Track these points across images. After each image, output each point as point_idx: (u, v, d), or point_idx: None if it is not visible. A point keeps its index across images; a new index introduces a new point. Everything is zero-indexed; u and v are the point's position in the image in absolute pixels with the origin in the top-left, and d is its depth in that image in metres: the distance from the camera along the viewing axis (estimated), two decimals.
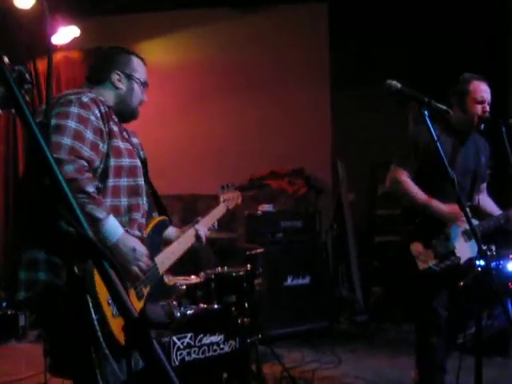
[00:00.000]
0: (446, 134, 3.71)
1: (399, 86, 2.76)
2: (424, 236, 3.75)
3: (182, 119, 7.27)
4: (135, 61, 2.93)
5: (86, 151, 2.54)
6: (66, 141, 2.50)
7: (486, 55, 6.63)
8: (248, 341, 4.36)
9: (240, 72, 7.33)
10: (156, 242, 2.94)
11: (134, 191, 2.76)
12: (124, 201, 2.72)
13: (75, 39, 6.98)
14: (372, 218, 7.38)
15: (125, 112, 2.90)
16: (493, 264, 5.39)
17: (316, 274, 6.36)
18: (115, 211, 2.64)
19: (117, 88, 2.87)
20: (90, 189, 2.48)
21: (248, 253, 5.04)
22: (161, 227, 3.02)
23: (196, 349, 4.06)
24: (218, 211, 3.52)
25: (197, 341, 4.07)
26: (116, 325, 2.46)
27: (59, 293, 2.45)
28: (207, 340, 4.13)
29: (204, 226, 3.26)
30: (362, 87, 6.62)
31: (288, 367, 5.10)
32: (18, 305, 2.62)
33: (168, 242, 3.06)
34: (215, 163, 7.31)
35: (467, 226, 3.66)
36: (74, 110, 2.58)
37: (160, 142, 6.67)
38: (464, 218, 3.44)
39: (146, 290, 2.75)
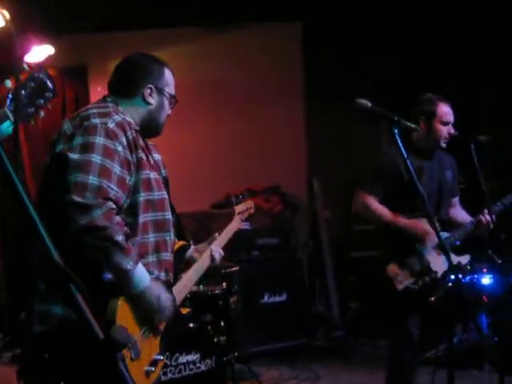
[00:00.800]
0: (411, 154, 3.76)
1: (369, 104, 2.79)
2: (398, 256, 3.80)
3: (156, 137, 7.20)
4: (167, 73, 2.70)
5: (113, 189, 2.32)
6: (92, 180, 2.27)
7: (462, 72, 6.72)
8: (224, 359, 4.37)
9: (214, 90, 7.35)
10: (175, 270, 2.75)
11: (161, 226, 2.56)
12: (152, 237, 2.52)
13: (49, 57, 6.96)
14: (348, 233, 7.41)
15: (151, 128, 2.69)
16: (467, 278, 5.48)
17: (292, 290, 6.37)
18: (143, 249, 2.48)
19: (147, 103, 2.63)
20: (119, 237, 2.27)
21: (223, 271, 5.03)
22: (180, 254, 2.85)
23: (172, 368, 4.05)
24: (234, 225, 3.37)
25: (173, 360, 4.06)
26: (133, 368, 2.37)
27: (76, 330, 2.29)
28: (183, 359, 4.12)
29: (219, 245, 3.11)
30: (337, 104, 6.66)
31: None
32: (31, 338, 2.41)
33: (188, 264, 2.93)
34: (190, 181, 7.30)
35: (437, 241, 3.74)
36: (100, 140, 2.34)
37: None
38: (431, 233, 3.53)
39: (162, 326, 2.58)
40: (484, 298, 5.51)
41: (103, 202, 2.26)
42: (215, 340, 4.34)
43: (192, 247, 3.02)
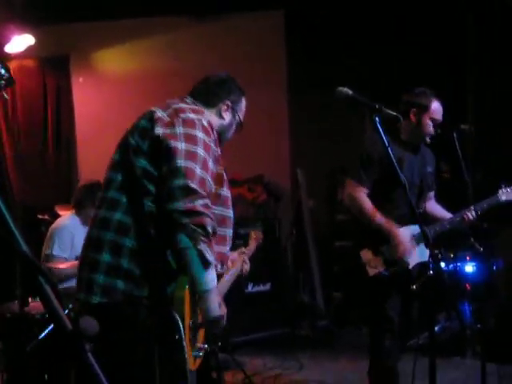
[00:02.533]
0: (395, 144, 3.76)
1: (350, 92, 2.78)
2: (373, 243, 3.81)
3: None
4: (243, 102, 2.92)
5: (210, 183, 2.46)
6: (199, 171, 2.40)
7: (446, 63, 6.74)
8: (208, 349, 4.36)
9: (197, 79, 7.32)
10: None
11: (224, 222, 2.67)
12: (218, 231, 2.56)
13: (30, 47, 6.90)
14: (332, 223, 7.43)
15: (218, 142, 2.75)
16: (450, 266, 5.53)
17: (276, 280, 6.39)
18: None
19: (221, 117, 2.79)
20: (210, 229, 2.37)
21: None
22: None
23: None
24: (253, 246, 3.59)
25: None
26: (189, 349, 2.48)
27: (140, 305, 2.41)
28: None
29: (247, 257, 3.30)
30: (320, 93, 6.66)
31: (250, 374, 5.13)
32: (84, 308, 2.50)
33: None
34: None
35: (413, 233, 3.77)
36: (200, 134, 2.48)
37: None
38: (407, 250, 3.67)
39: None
40: (467, 285, 5.55)
41: (206, 195, 2.39)
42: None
43: None
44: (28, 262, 1.06)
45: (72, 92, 7.42)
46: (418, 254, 3.82)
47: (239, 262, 3.17)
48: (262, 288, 6.30)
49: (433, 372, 3.30)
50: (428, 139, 3.94)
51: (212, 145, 2.52)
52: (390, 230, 3.75)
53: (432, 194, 4.27)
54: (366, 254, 3.81)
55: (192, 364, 2.56)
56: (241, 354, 5.57)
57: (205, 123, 2.53)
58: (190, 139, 2.44)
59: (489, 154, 6.10)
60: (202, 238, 2.34)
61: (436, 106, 3.91)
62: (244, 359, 5.57)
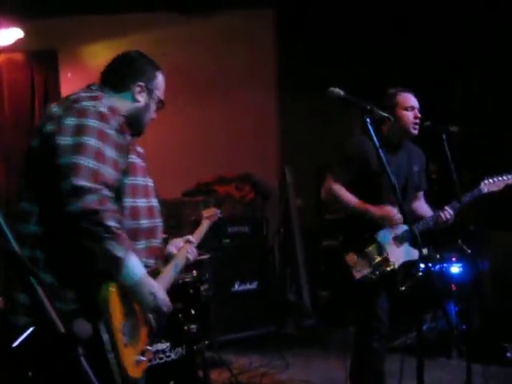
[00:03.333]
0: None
1: (342, 93, 2.78)
2: (356, 246, 3.82)
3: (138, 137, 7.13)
4: (160, 77, 2.74)
5: (108, 172, 2.30)
6: (88, 163, 2.23)
7: (434, 64, 6.75)
8: (195, 347, 4.35)
9: (186, 77, 7.29)
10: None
11: (150, 213, 2.55)
12: (144, 223, 2.50)
13: (18, 41, 6.85)
14: (319, 221, 7.42)
15: (134, 126, 2.63)
16: (436, 267, 5.54)
17: (263, 278, 6.38)
18: (134, 235, 2.44)
19: (135, 100, 2.63)
20: (112, 223, 2.23)
21: None
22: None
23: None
24: (203, 229, 3.46)
25: None
26: (125, 354, 2.32)
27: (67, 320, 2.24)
28: (153, 348, 4.08)
29: (193, 246, 3.14)
30: (309, 92, 6.66)
31: (236, 373, 5.12)
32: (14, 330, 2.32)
33: (167, 258, 2.92)
34: (159, 169, 7.23)
35: (398, 232, 3.78)
36: (93, 123, 2.32)
37: None
38: (397, 218, 3.65)
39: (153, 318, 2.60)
40: (453, 286, 5.57)
41: (99, 188, 2.24)
42: (186, 328, 4.32)
43: (170, 241, 3.05)
44: (19, 262, 1.04)
45: (60, 86, 7.37)
46: (403, 254, 3.86)
47: (182, 252, 3.00)
48: (248, 286, 6.29)
49: (420, 372, 3.32)
50: (413, 129, 3.92)
51: (111, 132, 2.36)
52: (371, 207, 3.78)
53: (421, 193, 4.27)
54: (351, 258, 3.81)
55: (132, 370, 2.38)
56: (227, 353, 5.56)
57: (102, 109, 2.38)
58: (80, 131, 2.29)
59: (477, 156, 6.12)
60: (106, 236, 2.22)
61: (403, 96, 3.95)
62: (230, 358, 5.57)
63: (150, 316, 2.53)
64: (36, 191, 2.36)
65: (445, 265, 5.61)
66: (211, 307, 5.32)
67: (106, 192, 2.27)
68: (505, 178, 4.13)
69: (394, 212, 3.75)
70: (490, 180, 4.10)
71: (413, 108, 3.93)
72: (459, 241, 4.67)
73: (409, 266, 3.85)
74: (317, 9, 7.08)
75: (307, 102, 6.97)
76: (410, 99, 3.95)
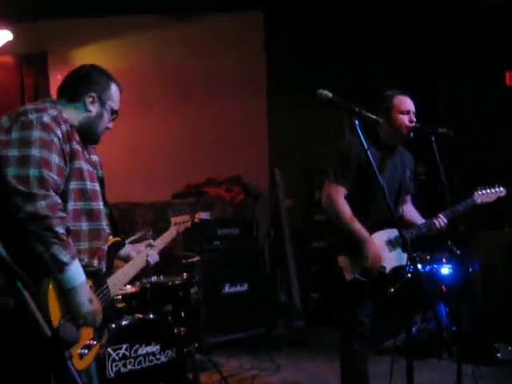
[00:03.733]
0: (375, 148, 3.77)
1: (330, 95, 2.77)
2: (349, 248, 3.78)
3: (114, 127, 7.08)
4: (113, 88, 2.85)
5: (53, 178, 2.43)
6: (34, 172, 2.38)
7: (419, 68, 6.79)
8: (185, 350, 4.35)
9: (175, 80, 7.29)
10: (109, 263, 2.87)
11: (94, 215, 2.68)
12: (85, 225, 2.64)
13: (8, 44, 6.83)
14: (309, 223, 7.44)
15: (88, 135, 2.79)
16: (426, 268, 5.55)
17: (254, 280, 6.37)
18: (76, 236, 2.57)
19: (87, 110, 2.76)
20: (60, 229, 2.38)
21: (184, 261, 5.00)
22: (114, 249, 2.97)
23: (132, 360, 4.02)
24: (169, 235, 3.56)
25: (132, 351, 4.03)
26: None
27: (8, 315, 2.28)
28: (143, 350, 4.09)
29: (156, 250, 3.28)
30: (299, 93, 6.67)
31: (226, 375, 5.11)
32: None
33: (125, 260, 3.08)
34: (150, 171, 7.25)
35: (391, 237, 3.77)
36: (36, 134, 2.45)
37: None
38: (376, 263, 3.67)
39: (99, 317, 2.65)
40: (443, 287, 5.58)
41: (48, 195, 2.39)
42: (175, 331, 4.32)
43: (128, 245, 3.17)
44: (6, 266, 1.04)
45: (50, 89, 7.35)
46: (395, 258, 3.84)
47: (142, 255, 3.16)
48: (238, 288, 6.28)
49: (410, 373, 3.33)
50: (407, 132, 3.90)
51: (56, 139, 2.49)
52: (362, 240, 3.73)
53: (409, 197, 4.28)
54: (344, 259, 3.79)
55: (77, 363, 2.51)
56: (217, 355, 5.55)
57: (45, 119, 2.51)
58: (24, 143, 2.43)
59: (466, 158, 6.15)
60: (53, 241, 2.36)
61: (399, 99, 3.92)
62: (220, 360, 5.56)
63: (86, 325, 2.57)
64: None
65: (435, 266, 5.62)
66: (201, 309, 5.31)
67: (56, 199, 2.42)
68: (497, 190, 4.18)
69: (378, 254, 3.72)
70: (484, 191, 4.13)
71: (408, 112, 3.90)
72: (449, 242, 4.68)
73: (399, 270, 3.84)
74: (306, 11, 7.10)
75: (297, 104, 6.98)
76: (406, 102, 3.93)
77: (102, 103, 2.80)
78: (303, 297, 7.18)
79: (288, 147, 7.33)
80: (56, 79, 7.37)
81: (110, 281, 2.83)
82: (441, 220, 3.96)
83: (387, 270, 3.78)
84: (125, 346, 3.97)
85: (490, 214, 5.46)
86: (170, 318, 4.38)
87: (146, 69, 7.32)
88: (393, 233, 3.84)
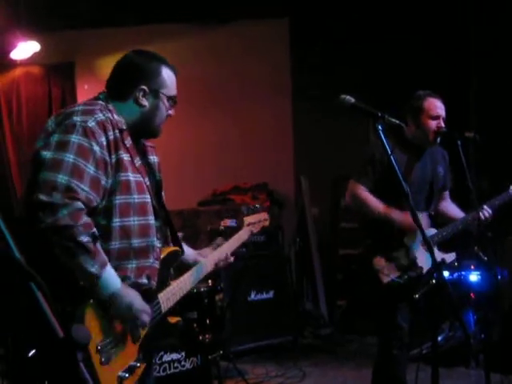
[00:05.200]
0: (401, 150, 3.75)
1: (352, 100, 2.76)
2: (385, 249, 3.77)
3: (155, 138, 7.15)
4: (165, 72, 2.59)
5: (84, 190, 2.26)
6: (61, 179, 2.21)
7: (448, 69, 6.73)
8: (210, 357, 4.34)
9: (201, 87, 7.32)
10: (162, 276, 2.63)
11: (143, 232, 2.47)
12: (135, 243, 2.44)
13: (35, 54, 6.92)
14: (335, 231, 7.41)
15: (145, 130, 2.60)
16: (454, 275, 5.49)
17: (280, 288, 6.35)
18: (124, 254, 2.42)
19: (140, 106, 2.54)
20: (84, 238, 2.20)
21: None
22: (170, 260, 2.70)
23: (157, 366, 4.03)
24: (241, 236, 3.18)
25: (157, 358, 4.03)
26: (104, 373, 2.27)
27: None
28: (168, 357, 4.10)
29: (227, 251, 3.02)
30: (325, 101, 6.64)
31: (252, 383, 5.09)
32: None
33: (184, 268, 2.82)
34: (177, 178, 7.28)
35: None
36: (75, 139, 2.28)
37: None
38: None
39: (142, 332, 2.49)
40: (471, 294, 5.51)
41: (70, 202, 2.21)
42: (200, 338, 4.32)
43: (190, 251, 2.93)
44: (21, 268, 1.05)
45: (77, 99, 7.43)
46: (430, 259, 3.77)
47: (211, 258, 2.92)
48: (264, 296, 6.26)
49: (435, 381, 3.28)
50: (434, 138, 3.86)
51: (97, 148, 2.32)
52: (399, 217, 3.68)
53: (447, 193, 4.23)
54: (379, 261, 3.75)
55: None
56: (243, 363, 5.55)
57: (90, 124, 2.33)
58: (60, 146, 2.28)
59: (495, 162, 6.07)
60: (79, 251, 2.20)
61: (430, 102, 3.87)
62: (246, 367, 5.54)
63: (138, 330, 2.45)
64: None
65: (463, 273, 5.56)
66: (226, 316, 5.30)
67: (79, 205, 2.23)
68: None
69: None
70: None
71: (438, 117, 3.85)
72: (476, 248, 4.63)
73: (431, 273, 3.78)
74: (331, 18, 7.09)
75: (323, 110, 6.96)
76: (437, 107, 3.87)
77: (156, 94, 2.56)
78: (329, 305, 7.14)
79: (314, 154, 7.31)
80: (83, 89, 7.46)
81: (163, 295, 2.60)
82: (485, 211, 3.90)
83: (424, 271, 3.71)
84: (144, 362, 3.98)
85: None
86: (195, 325, 4.38)
87: None
88: (429, 233, 3.76)
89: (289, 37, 7.51)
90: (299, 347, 6.31)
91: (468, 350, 5.32)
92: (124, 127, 2.49)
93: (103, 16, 7.02)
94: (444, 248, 3.93)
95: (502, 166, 6.03)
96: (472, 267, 5.65)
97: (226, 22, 7.37)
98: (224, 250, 3.02)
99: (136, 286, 2.44)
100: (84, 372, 1.06)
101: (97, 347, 2.25)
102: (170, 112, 2.65)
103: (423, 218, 3.73)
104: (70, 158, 2.26)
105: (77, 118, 2.34)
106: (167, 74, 2.61)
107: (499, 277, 5.38)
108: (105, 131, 2.37)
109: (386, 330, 3.93)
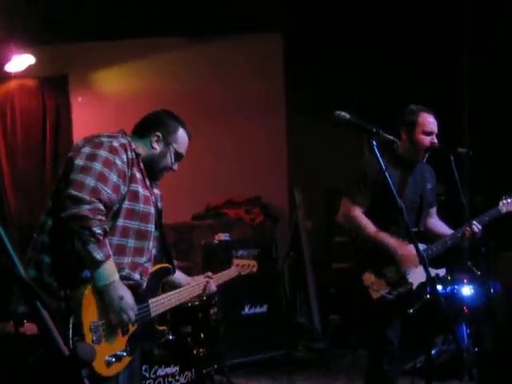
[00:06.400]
0: (393, 165, 3.77)
1: (347, 116, 2.79)
2: (375, 265, 3.79)
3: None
4: (180, 132, 3.08)
5: (107, 191, 2.69)
6: (90, 181, 2.66)
7: (442, 84, 6.77)
8: (204, 371, 4.34)
9: (195, 101, 7.34)
10: (154, 285, 3.01)
11: (142, 235, 2.89)
12: (131, 242, 2.85)
13: (30, 67, 6.94)
14: (329, 244, 7.42)
15: (149, 171, 3.01)
16: (447, 289, 5.50)
17: (273, 302, 6.35)
18: (121, 250, 2.81)
19: (152, 147, 3.01)
20: (97, 230, 2.61)
21: None
22: (161, 273, 3.09)
23: (151, 381, 4.03)
24: (229, 273, 3.72)
25: (152, 373, 4.03)
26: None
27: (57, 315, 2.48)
28: (162, 371, 4.10)
29: (214, 282, 3.46)
30: (318, 115, 6.67)
31: None
32: (16, 317, 2.71)
33: (174, 287, 3.21)
34: (171, 192, 7.27)
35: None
36: (103, 153, 2.76)
37: None
38: (415, 260, 3.55)
39: (132, 328, 2.82)
40: (465, 308, 5.53)
41: (94, 201, 2.63)
42: (195, 352, 4.32)
43: (181, 273, 3.34)
44: (25, 286, 1.06)
45: (71, 111, 7.44)
46: (420, 274, 3.71)
47: (199, 283, 3.35)
48: (258, 310, 6.26)
49: None
50: (425, 153, 3.89)
51: (118, 162, 2.78)
52: (393, 246, 3.72)
53: (434, 210, 4.24)
54: (369, 277, 3.77)
55: (100, 367, 2.63)
56: (237, 376, 5.54)
57: (115, 144, 2.82)
58: (90, 156, 2.74)
59: (488, 177, 6.10)
60: (90, 239, 2.59)
61: (424, 117, 3.89)
62: (240, 381, 5.53)
63: (125, 323, 2.74)
64: (51, 203, 2.80)
65: (456, 286, 5.57)
66: (220, 331, 5.30)
67: (100, 206, 2.65)
68: None
69: (409, 251, 3.64)
70: (509, 200, 4.08)
71: (431, 133, 3.88)
72: (469, 263, 4.64)
73: (422, 287, 3.79)
74: (324, 33, 7.13)
75: (316, 124, 6.98)
76: (430, 123, 3.89)
77: (167, 143, 3.03)
78: (323, 319, 7.13)
79: (308, 168, 7.33)
80: (77, 102, 7.48)
81: (153, 301, 2.96)
82: (475, 227, 3.91)
83: (414, 286, 3.73)
84: (144, 367, 3.98)
85: (511, 233, 5.42)
86: (189, 339, 4.38)
87: (166, 90, 7.38)
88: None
89: (283, 51, 7.55)
90: (292, 361, 6.28)
91: (461, 364, 5.33)
92: (140, 152, 2.96)
93: (98, 29, 7.04)
94: (434, 263, 3.90)
95: (495, 181, 6.06)
96: (465, 281, 5.67)
97: (220, 36, 7.41)
98: (214, 280, 3.48)
99: (129, 279, 2.81)
100: None
101: (90, 326, 2.60)
102: (174, 167, 3.12)
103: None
104: (98, 166, 2.72)
105: (104, 139, 2.85)
106: (181, 135, 3.11)
107: (492, 291, 5.41)
108: (125, 151, 2.85)
109: (376, 345, 3.94)
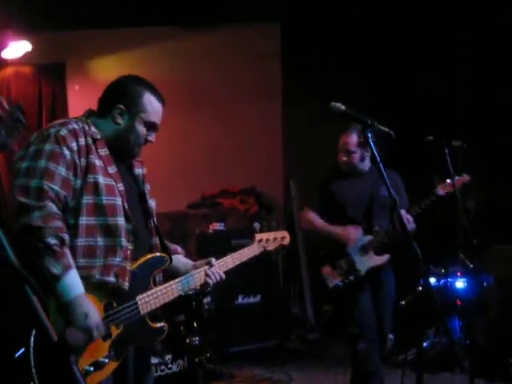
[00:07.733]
0: (339, 178, 4.39)
1: (343, 107, 2.80)
2: (331, 259, 4.24)
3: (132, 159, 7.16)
4: (147, 98, 2.71)
5: (55, 189, 2.45)
6: (34, 182, 2.43)
7: (437, 77, 6.77)
8: (196, 360, 4.36)
9: (191, 90, 7.34)
10: (142, 279, 2.66)
11: (111, 231, 2.57)
12: (100, 241, 2.55)
13: (27, 54, 6.91)
14: (323, 235, 7.41)
15: (120, 149, 2.71)
16: (441, 281, 5.54)
17: (267, 292, 6.37)
18: (90, 252, 2.52)
19: (115, 123, 2.68)
20: (52, 240, 2.37)
21: None
22: (153, 264, 2.72)
23: None
24: (250, 251, 3.18)
25: None
26: None
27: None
28: (155, 360, 4.11)
29: (224, 267, 3.03)
30: (314, 105, 6.68)
31: None
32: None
33: (175, 276, 2.83)
34: (165, 181, 7.29)
35: (363, 243, 4.20)
36: (48, 146, 2.50)
37: None
38: (354, 238, 4.18)
39: (116, 331, 2.55)
40: (457, 301, 5.55)
41: (44, 205, 2.41)
42: (187, 341, 4.33)
43: (183, 260, 2.96)
44: (16, 272, 1.07)
45: (67, 99, 7.42)
46: (368, 261, 4.19)
47: (202, 272, 2.91)
48: (252, 300, 6.28)
49: None
50: (346, 168, 4.34)
51: (67, 152, 2.51)
52: (339, 233, 4.21)
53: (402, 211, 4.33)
54: (326, 270, 4.25)
55: None
56: (229, 366, 5.56)
57: (62, 133, 2.53)
58: (35, 155, 2.50)
59: (481, 170, 6.11)
60: (44, 252, 2.36)
61: (341, 140, 4.40)
62: (233, 371, 5.55)
63: (92, 340, 2.45)
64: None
65: (449, 279, 5.60)
66: (213, 320, 5.31)
67: (52, 208, 2.43)
68: (458, 177, 4.24)
69: (351, 232, 4.19)
70: (447, 182, 4.18)
71: (347, 152, 4.30)
72: (461, 255, 4.67)
73: (373, 270, 4.15)
74: (322, 22, 7.12)
75: (312, 115, 6.98)
76: (344, 143, 4.34)
77: (132, 115, 2.68)
78: (316, 309, 7.16)
79: (303, 159, 7.34)
80: (73, 89, 7.46)
81: (142, 297, 2.63)
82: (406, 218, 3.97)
83: (363, 273, 4.15)
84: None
85: (503, 227, 5.44)
86: (182, 328, 4.39)
87: (163, 79, 7.34)
88: (366, 239, 4.21)
89: (280, 41, 7.54)
90: (286, 351, 6.32)
91: (453, 356, 5.36)
92: (98, 137, 2.66)
93: (95, 17, 7.01)
94: (378, 251, 4.23)
95: (489, 173, 6.08)
96: (458, 274, 5.69)
97: (217, 25, 7.39)
98: (226, 263, 3.08)
99: (103, 284, 2.53)
100: (77, 373, 1.08)
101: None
102: (150, 138, 2.76)
103: (357, 228, 4.22)
104: (42, 163, 2.48)
105: (52, 130, 2.57)
106: (149, 101, 2.73)
107: (484, 284, 5.44)
108: (76, 138, 2.56)
109: (346, 329, 4.23)
